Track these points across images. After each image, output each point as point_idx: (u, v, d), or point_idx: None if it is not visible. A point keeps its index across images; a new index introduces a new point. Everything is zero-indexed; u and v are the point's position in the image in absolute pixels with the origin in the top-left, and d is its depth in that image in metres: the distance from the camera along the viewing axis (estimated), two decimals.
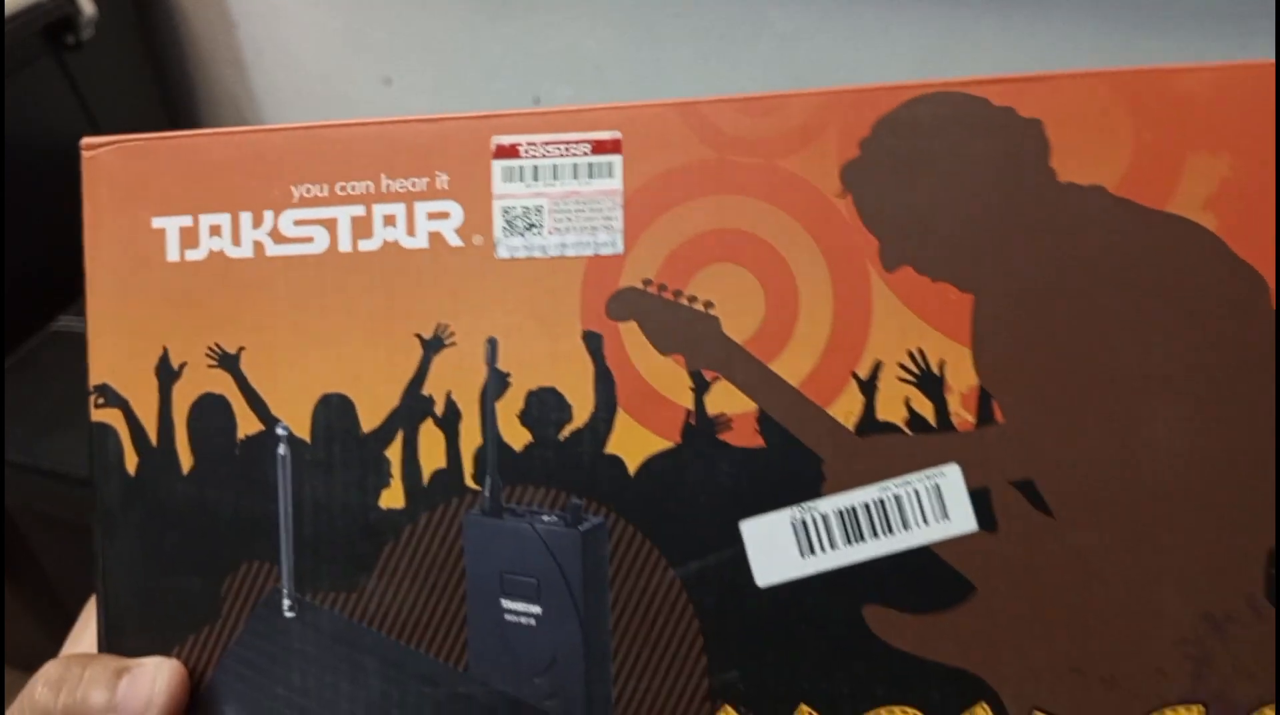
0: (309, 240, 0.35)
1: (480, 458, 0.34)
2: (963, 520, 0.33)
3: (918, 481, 0.33)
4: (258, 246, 0.35)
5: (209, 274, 0.36)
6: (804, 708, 0.33)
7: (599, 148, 0.34)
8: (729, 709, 0.33)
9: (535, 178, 0.34)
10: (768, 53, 0.81)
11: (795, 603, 0.33)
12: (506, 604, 0.34)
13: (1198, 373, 0.32)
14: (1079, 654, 0.32)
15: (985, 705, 0.33)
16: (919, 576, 0.33)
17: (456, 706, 0.34)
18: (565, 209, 0.34)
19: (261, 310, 0.35)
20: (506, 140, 0.35)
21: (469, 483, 0.34)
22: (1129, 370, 0.32)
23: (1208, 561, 0.32)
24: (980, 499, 0.33)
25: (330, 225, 0.35)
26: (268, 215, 0.35)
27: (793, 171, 0.34)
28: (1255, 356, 0.32)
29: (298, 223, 0.35)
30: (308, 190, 0.35)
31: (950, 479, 0.33)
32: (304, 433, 0.35)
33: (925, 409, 0.33)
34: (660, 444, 0.34)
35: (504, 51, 0.90)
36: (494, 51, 0.90)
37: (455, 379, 0.34)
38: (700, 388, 0.34)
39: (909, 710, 0.33)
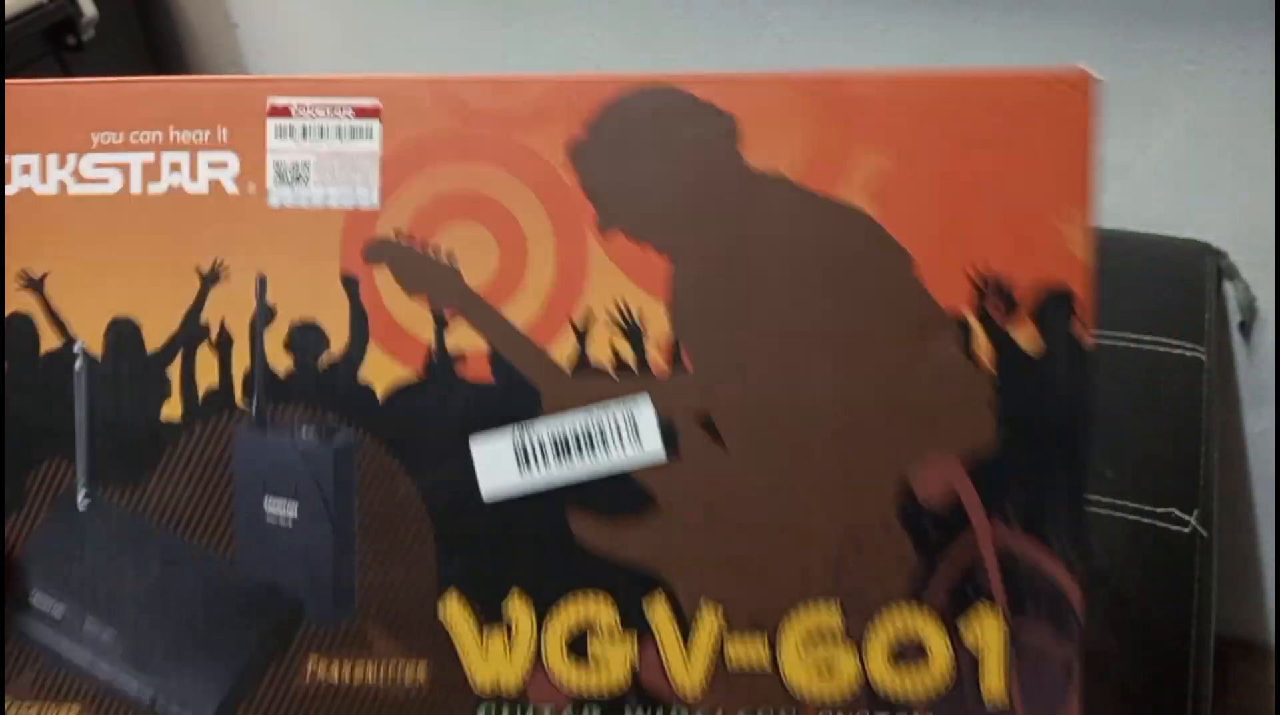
0: (105, 182, 0.40)
1: (249, 379, 0.40)
2: (653, 447, 0.39)
3: (618, 411, 0.39)
4: (61, 185, 0.40)
5: (20, 207, 0.40)
6: (515, 590, 0.40)
7: (360, 113, 0.39)
8: (454, 593, 0.40)
9: (304, 136, 0.39)
10: (768, 53, 0.83)
11: (513, 508, 0.39)
12: (268, 506, 0.40)
13: (848, 332, 0.39)
14: (741, 557, 0.39)
15: (662, 593, 0.39)
16: (614, 490, 0.39)
17: (223, 590, 0.40)
18: (329, 166, 0.39)
19: (64, 242, 0.40)
20: (280, 101, 0.39)
21: (239, 401, 0.40)
22: (794, 328, 0.39)
23: (849, 487, 0.39)
24: (668, 430, 0.39)
25: (124, 169, 0.40)
26: (70, 158, 0.40)
27: (527, 145, 0.39)
28: (896, 317, 0.39)
29: (96, 166, 0.40)
30: (105, 137, 0.40)
31: (644, 412, 0.39)
32: (97, 350, 0.40)
33: (627, 354, 0.39)
34: (405, 374, 0.40)
35: (504, 53, 0.91)
36: (494, 53, 0.91)
37: (229, 309, 0.40)
38: (440, 327, 0.39)
39: (601, 594, 0.39)
